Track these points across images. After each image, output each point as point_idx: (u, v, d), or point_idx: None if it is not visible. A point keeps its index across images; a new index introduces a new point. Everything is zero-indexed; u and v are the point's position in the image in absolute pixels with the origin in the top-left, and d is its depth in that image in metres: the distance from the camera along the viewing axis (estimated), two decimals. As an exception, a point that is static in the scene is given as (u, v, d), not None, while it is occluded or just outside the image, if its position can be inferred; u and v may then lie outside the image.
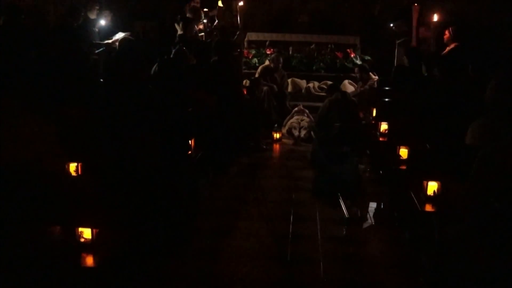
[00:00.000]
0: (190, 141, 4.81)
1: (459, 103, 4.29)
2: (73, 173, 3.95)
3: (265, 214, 4.95)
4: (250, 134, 7.36)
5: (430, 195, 3.66)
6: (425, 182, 3.67)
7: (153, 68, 6.94)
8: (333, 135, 7.50)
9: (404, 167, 4.65)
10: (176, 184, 4.20)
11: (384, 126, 5.83)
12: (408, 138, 4.69)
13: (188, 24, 7.98)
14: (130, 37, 9.09)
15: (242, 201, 5.34)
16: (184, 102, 5.27)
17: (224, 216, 4.93)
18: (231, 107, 6.49)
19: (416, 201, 3.77)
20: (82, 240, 2.88)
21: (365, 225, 4.85)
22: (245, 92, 7.72)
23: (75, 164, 3.93)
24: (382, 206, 5.34)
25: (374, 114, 6.84)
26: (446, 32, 7.79)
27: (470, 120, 3.72)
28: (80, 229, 2.89)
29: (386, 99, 6.24)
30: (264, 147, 7.50)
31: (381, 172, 6.01)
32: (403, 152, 4.70)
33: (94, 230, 2.89)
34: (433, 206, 3.63)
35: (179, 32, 8.14)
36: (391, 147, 5.21)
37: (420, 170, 3.94)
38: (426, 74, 5.63)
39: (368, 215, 5.05)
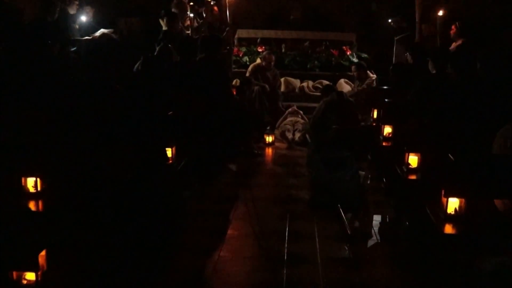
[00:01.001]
0: (171, 149, 4.25)
1: (481, 105, 3.73)
2: (31, 189, 3.38)
3: (257, 232, 4.38)
4: (241, 138, 6.78)
5: (451, 214, 3.11)
6: (444, 199, 3.12)
7: (136, 67, 6.38)
8: (330, 139, 6.99)
9: (414, 177, 4.11)
10: (152, 199, 3.62)
11: (387, 130, 5.30)
12: (418, 144, 4.14)
13: (173, 20, 7.40)
14: (112, 34, 8.58)
15: (230, 216, 4.76)
16: (165, 104, 4.70)
17: (210, 234, 4.36)
18: (219, 109, 5.91)
19: (433, 219, 3.22)
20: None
21: (370, 243, 4.29)
22: (234, 93, 7.14)
23: (33, 179, 3.36)
24: (388, 220, 4.77)
25: (375, 115, 6.30)
26: (453, 27, 7.30)
27: (496, 125, 3.17)
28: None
29: (388, 100, 5.65)
30: (256, 152, 6.93)
31: (384, 180, 5.45)
32: (413, 160, 4.16)
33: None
34: (454, 227, 3.08)
35: (164, 28, 7.58)
36: (397, 153, 4.68)
37: (437, 182, 3.38)
38: (434, 72, 5.05)
39: (373, 231, 4.48)
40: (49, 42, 5.65)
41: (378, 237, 4.35)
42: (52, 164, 3.24)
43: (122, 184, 3.23)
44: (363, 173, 6.16)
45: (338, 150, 6.63)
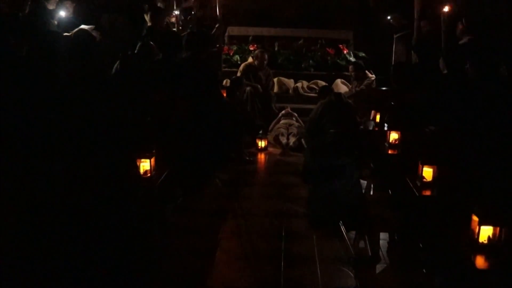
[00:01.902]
0: (149, 160, 3.68)
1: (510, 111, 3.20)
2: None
3: (249, 253, 3.83)
4: (231, 144, 6.23)
5: (483, 243, 2.57)
6: (475, 226, 2.58)
7: (115, 67, 5.81)
8: (327, 144, 6.45)
9: (429, 192, 3.58)
10: (123, 218, 3.05)
11: (394, 136, 4.78)
12: (434, 154, 3.61)
13: (157, 15, 6.83)
14: (93, 31, 8.01)
15: (218, 234, 4.21)
16: (144, 109, 4.13)
17: (194, 255, 3.80)
18: (206, 112, 5.35)
19: (458, 248, 2.69)
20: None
21: (379, 268, 3.74)
22: (224, 94, 6.58)
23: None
24: (397, 240, 4.23)
25: (377, 119, 5.77)
26: (459, 24, 6.77)
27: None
28: None
29: (394, 103, 5.13)
30: (247, 158, 6.39)
31: (390, 192, 4.92)
32: (428, 173, 3.63)
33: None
34: (489, 260, 2.54)
35: (148, 24, 7.01)
36: (406, 163, 4.16)
37: (461, 203, 2.85)
38: (446, 72, 4.52)
39: (381, 254, 3.94)
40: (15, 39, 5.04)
41: (387, 261, 3.81)
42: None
43: (78, 207, 2.66)
44: (365, 182, 5.66)
45: (336, 156, 6.13)
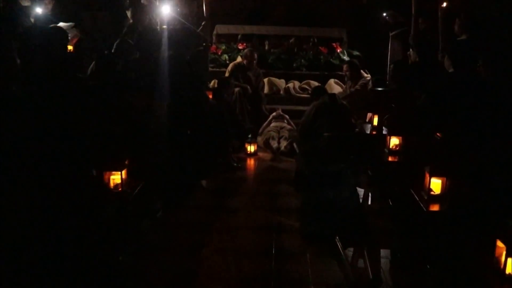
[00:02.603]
0: (120, 173, 3.23)
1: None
2: None
3: (235, 274, 3.39)
4: (218, 149, 5.79)
5: (510, 275, 2.16)
6: (502, 254, 2.16)
7: (90, 67, 5.39)
8: (321, 148, 6.04)
9: (437, 207, 3.16)
10: (82, 236, 2.62)
11: (394, 141, 4.34)
12: (443, 164, 3.19)
13: (139, 11, 6.38)
14: (73, 29, 7.58)
15: (201, 253, 3.77)
16: (117, 114, 3.69)
17: (175, 276, 3.37)
18: (190, 116, 4.92)
19: (479, 277, 2.27)
20: None
21: (381, 293, 3.32)
22: (210, 96, 6.14)
23: None
24: (402, 259, 3.80)
25: (375, 122, 5.34)
26: (456, 21, 6.39)
27: None
28: None
29: (395, 105, 4.71)
30: (235, 164, 5.95)
31: (391, 203, 4.48)
32: (436, 185, 3.20)
33: None
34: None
35: (130, 21, 6.58)
36: (408, 171, 3.75)
37: (478, 219, 2.43)
38: (451, 71, 4.10)
39: (382, 275, 3.51)
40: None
41: (390, 284, 3.39)
42: None
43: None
44: (363, 190, 5.23)
45: (331, 162, 5.73)
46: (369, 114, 6.69)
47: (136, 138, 3.82)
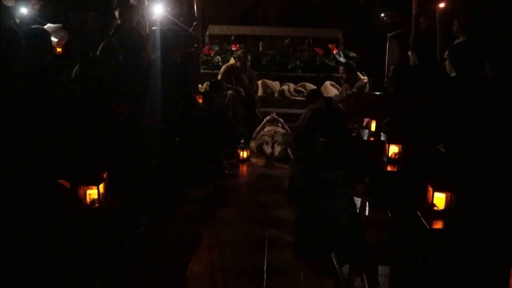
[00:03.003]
0: (97, 188, 2.98)
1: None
2: None
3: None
4: (209, 156, 5.54)
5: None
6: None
7: (74, 71, 5.13)
8: (316, 154, 5.80)
9: (440, 224, 2.92)
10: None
11: (394, 149, 4.10)
12: (448, 178, 2.94)
13: (127, 11, 6.11)
14: (60, 30, 7.31)
15: (188, 268, 3.52)
16: (95, 121, 3.44)
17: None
18: (178, 122, 4.65)
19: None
20: None
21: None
22: (200, 100, 5.89)
23: None
24: (400, 275, 3.55)
25: (373, 128, 5.10)
26: (455, 21, 6.18)
27: None
28: None
29: (394, 110, 4.47)
30: (227, 172, 5.70)
31: (390, 215, 4.24)
32: (440, 200, 2.97)
33: None
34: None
35: (117, 21, 6.30)
36: (408, 183, 3.51)
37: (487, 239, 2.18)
38: (454, 75, 3.85)
39: (382, 296, 3.27)
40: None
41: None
42: None
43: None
44: (360, 200, 5.00)
45: (326, 168, 5.49)
46: (367, 119, 6.46)
47: (117, 148, 3.55)
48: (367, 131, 5.29)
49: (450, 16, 6.31)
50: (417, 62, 5.11)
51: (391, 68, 5.71)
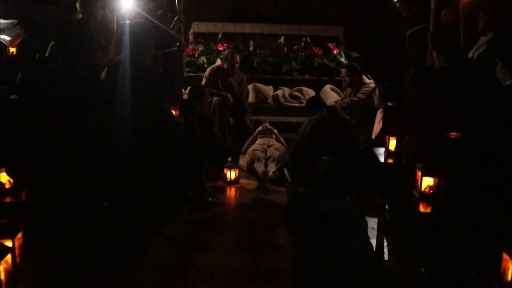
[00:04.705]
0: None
1: None
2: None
3: None
4: (187, 181, 4.52)
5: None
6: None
7: (19, 75, 4.09)
8: (319, 176, 4.83)
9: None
10: None
11: (428, 182, 3.09)
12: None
13: (89, 4, 5.10)
14: (16, 27, 6.36)
15: None
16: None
17: None
18: (145, 143, 3.63)
19: None
20: None
21: None
22: (177, 112, 4.86)
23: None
24: None
25: (391, 146, 4.10)
26: (481, 16, 5.22)
27: None
28: None
29: (433, 130, 3.46)
30: (211, 199, 4.67)
31: (422, 268, 3.22)
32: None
33: None
34: None
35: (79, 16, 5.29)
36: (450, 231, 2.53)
37: None
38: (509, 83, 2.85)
39: None
40: None
41: None
42: None
43: None
44: (375, 237, 4.01)
45: (331, 193, 4.57)
46: (376, 127, 5.48)
47: (50, 185, 2.53)
48: (383, 150, 4.29)
49: (476, 10, 5.34)
50: (445, 64, 4.09)
51: (411, 72, 4.72)
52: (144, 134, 3.63)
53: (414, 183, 3.16)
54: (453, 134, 3.25)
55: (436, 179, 3.01)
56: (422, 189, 3.06)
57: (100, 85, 3.34)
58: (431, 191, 3.06)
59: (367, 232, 3.87)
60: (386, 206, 4.14)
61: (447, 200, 2.94)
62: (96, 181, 3.02)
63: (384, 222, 4.04)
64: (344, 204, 4.19)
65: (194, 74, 7.52)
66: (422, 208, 3.01)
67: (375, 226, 4.04)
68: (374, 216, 4.31)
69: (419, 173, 3.09)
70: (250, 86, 7.16)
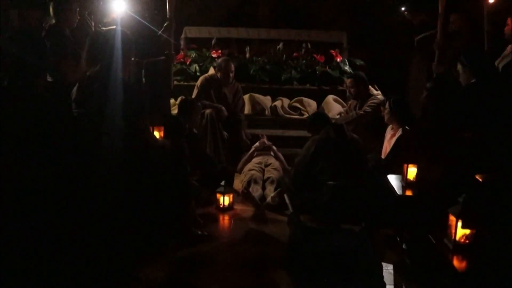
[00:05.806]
0: None
1: None
2: None
3: None
4: (172, 211, 3.93)
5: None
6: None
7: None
8: (324, 203, 4.29)
9: None
10: None
11: (464, 231, 2.50)
12: None
13: (63, 8, 4.57)
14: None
15: None
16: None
17: None
18: (120, 172, 3.06)
19: None
20: None
21: None
22: (161, 134, 4.26)
23: None
24: None
25: (410, 176, 3.52)
26: (509, 21, 4.74)
27: None
28: None
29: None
30: (200, 232, 4.08)
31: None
32: None
33: None
34: None
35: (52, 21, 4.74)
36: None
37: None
38: None
39: None
40: None
41: None
42: None
43: None
44: (391, 275, 3.46)
45: (338, 224, 4.07)
46: (385, 146, 4.94)
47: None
48: (397, 177, 3.72)
49: (500, 14, 4.83)
50: (473, 80, 3.52)
51: (428, 85, 4.16)
52: (119, 164, 3.06)
53: (445, 229, 2.59)
54: (488, 177, 2.69)
55: (474, 231, 2.44)
56: (458, 238, 2.49)
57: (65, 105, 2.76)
58: (467, 241, 2.49)
59: (382, 277, 3.32)
60: (404, 246, 3.55)
61: (487, 256, 2.37)
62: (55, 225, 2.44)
63: (403, 267, 3.45)
64: (355, 241, 3.66)
65: (185, 83, 7.02)
66: (456, 263, 2.43)
67: (391, 269, 3.45)
68: (386, 253, 3.76)
69: (452, 218, 2.51)
70: (246, 97, 6.69)
